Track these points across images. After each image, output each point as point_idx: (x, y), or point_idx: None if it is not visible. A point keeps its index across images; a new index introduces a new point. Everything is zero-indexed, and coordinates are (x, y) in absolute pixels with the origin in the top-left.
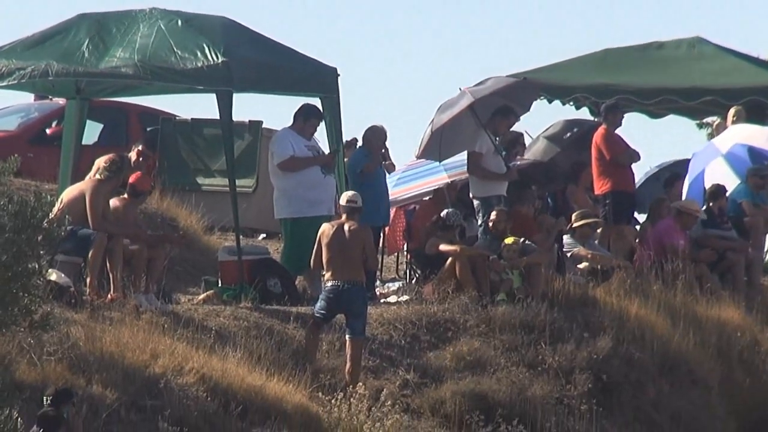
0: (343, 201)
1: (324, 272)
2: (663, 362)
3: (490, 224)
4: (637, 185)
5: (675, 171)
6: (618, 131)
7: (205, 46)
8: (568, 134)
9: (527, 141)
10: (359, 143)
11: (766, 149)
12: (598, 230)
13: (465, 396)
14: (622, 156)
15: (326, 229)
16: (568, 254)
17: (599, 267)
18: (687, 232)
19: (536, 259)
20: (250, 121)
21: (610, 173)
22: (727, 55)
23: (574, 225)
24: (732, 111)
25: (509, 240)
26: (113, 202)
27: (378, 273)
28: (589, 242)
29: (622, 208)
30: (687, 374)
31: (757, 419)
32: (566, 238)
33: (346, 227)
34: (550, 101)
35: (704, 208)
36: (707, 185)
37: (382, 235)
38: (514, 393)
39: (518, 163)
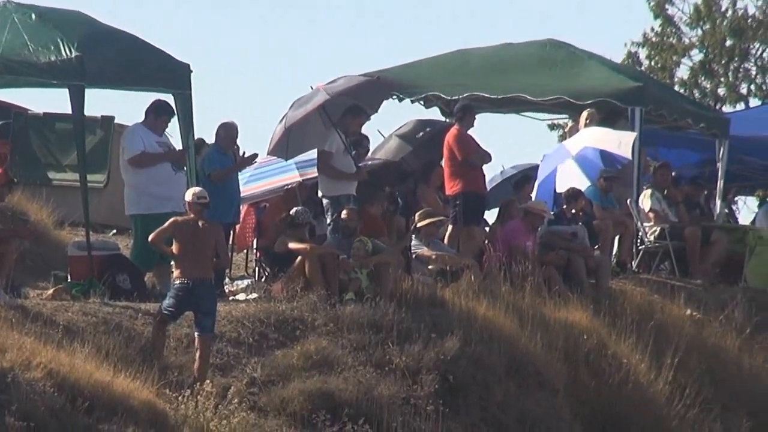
0: (189, 197)
1: (173, 269)
2: (510, 364)
3: (342, 223)
4: (491, 186)
5: (526, 173)
6: (470, 132)
7: (59, 40)
8: (421, 134)
9: (379, 140)
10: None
11: (616, 152)
12: (447, 230)
13: (312, 395)
14: (473, 157)
15: (179, 222)
16: (413, 255)
17: (448, 267)
18: (536, 234)
19: (385, 259)
20: (102, 116)
21: (461, 174)
22: (578, 57)
23: (419, 224)
24: (585, 113)
25: (357, 240)
26: None
27: (227, 270)
28: (435, 242)
29: (473, 209)
30: (534, 376)
31: (602, 422)
32: (412, 238)
33: (199, 223)
34: (401, 100)
35: (555, 210)
36: (558, 187)
37: (232, 233)
38: (360, 392)
39: (368, 162)
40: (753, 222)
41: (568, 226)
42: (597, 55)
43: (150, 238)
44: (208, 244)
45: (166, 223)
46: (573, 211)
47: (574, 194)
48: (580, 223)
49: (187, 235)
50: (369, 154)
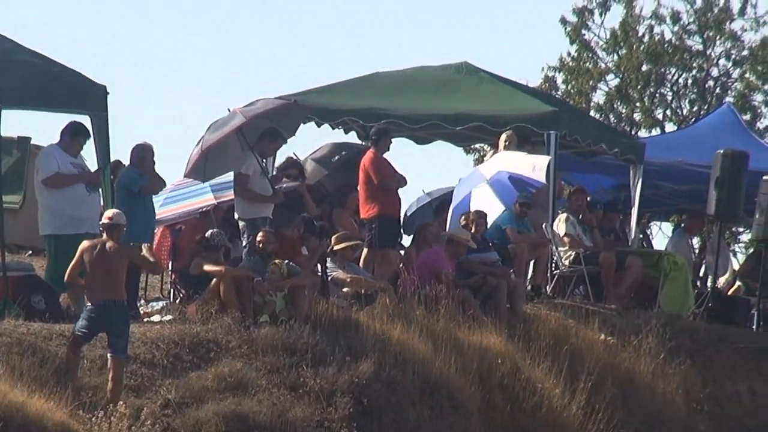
0: (103, 219)
1: (85, 290)
2: (424, 387)
3: (258, 245)
4: (412, 211)
5: (446, 198)
6: (386, 156)
7: None
8: (336, 157)
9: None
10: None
11: (530, 177)
12: (362, 253)
13: (226, 417)
14: (388, 181)
15: (87, 246)
16: (329, 278)
17: (363, 291)
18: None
19: (300, 282)
20: (18, 137)
21: (376, 197)
22: (494, 82)
23: (335, 248)
24: (504, 136)
25: (272, 263)
26: None
27: (142, 292)
28: (350, 265)
29: (388, 233)
30: (447, 399)
31: None
32: (328, 261)
33: (107, 246)
34: (318, 124)
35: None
36: (472, 211)
37: None
38: (275, 415)
39: (284, 185)
40: (667, 247)
41: (486, 253)
42: (511, 80)
43: (65, 280)
44: (118, 266)
45: (76, 255)
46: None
47: (477, 216)
48: (493, 248)
49: (95, 257)
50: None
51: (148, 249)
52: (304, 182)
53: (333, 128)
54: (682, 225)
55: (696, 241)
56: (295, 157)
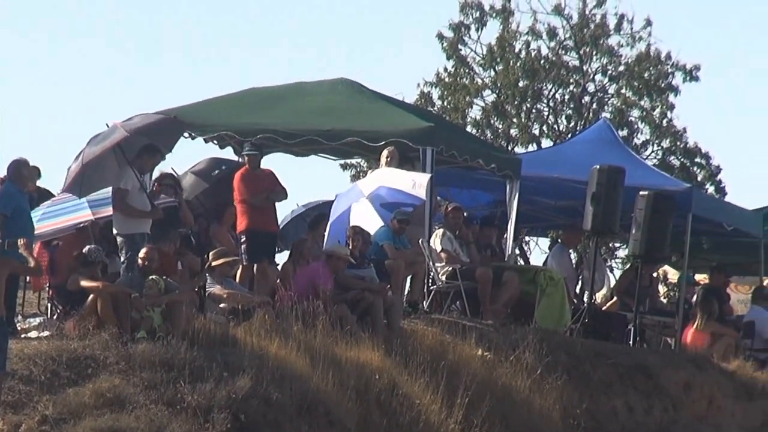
0: None
1: None
2: (301, 403)
3: (141, 261)
4: (284, 224)
5: (321, 212)
6: (269, 169)
7: None
8: (216, 171)
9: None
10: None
11: (410, 193)
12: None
13: None
14: (256, 196)
15: None
16: (207, 293)
17: (240, 306)
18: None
19: (177, 298)
20: None
21: (246, 212)
22: (370, 97)
23: (213, 264)
24: (385, 152)
25: (150, 278)
26: None
27: (19, 308)
28: (228, 281)
29: (259, 247)
30: (325, 415)
31: None
32: (206, 277)
33: None
34: (193, 137)
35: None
36: (350, 227)
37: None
38: (152, 431)
39: (163, 201)
40: (544, 263)
41: (360, 269)
42: (387, 95)
43: None
44: None
45: None
46: (359, 248)
47: (355, 232)
48: (371, 265)
49: None
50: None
51: (24, 245)
52: (181, 196)
53: (206, 142)
54: (559, 240)
55: (573, 257)
56: (173, 173)
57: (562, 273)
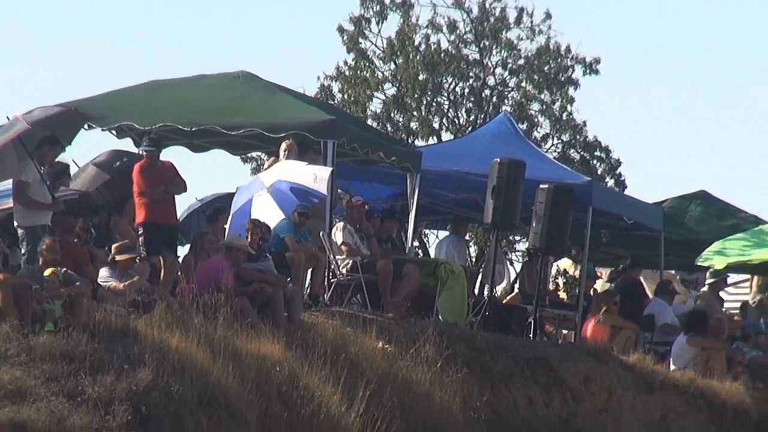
0: None
1: None
2: (202, 395)
3: (43, 253)
4: (183, 218)
5: (220, 205)
6: (170, 161)
7: None
8: (118, 163)
9: (74, 170)
10: None
11: (308, 186)
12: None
13: (3, 425)
14: (153, 189)
15: None
16: (106, 286)
17: (140, 299)
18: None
19: (79, 290)
20: None
21: (144, 204)
22: (271, 90)
23: (116, 258)
24: (284, 145)
25: (48, 271)
26: None
27: None
28: (129, 274)
29: (156, 239)
30: (226, 407)
31: None
32: (104, 270)
33: None
34: (91, 128)
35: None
36: (250, 219)
37: None
38: (53, 423)
39: (64, 193)
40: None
41: (258, 261)
42: (288, 88)
43: None
44: None
45: None
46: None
47: (254, 225)
48: (269, 257)
49: None
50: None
51: None
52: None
53: (103, 130)
54: (450, 230)
55: (473, 250)
56: (75, 164)
57: (461, 261)
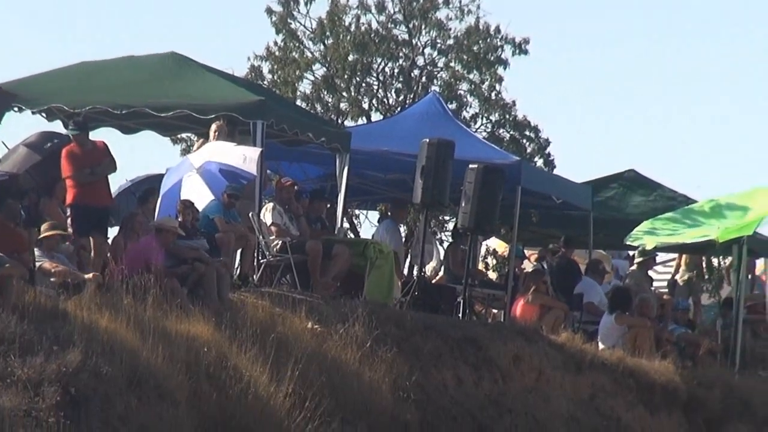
0: None
1: None
2: (131, 376)
3: None
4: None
5: (150, 186)
6: (105, 142)
7: None
8: (49, 144)
9: (3, 151)
10: None
11: (237, 166)
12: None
13: None
14: (79, 172)
15: None
16: (37, 267)
17: (70, 280)
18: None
19: (7, 272)
20: None
21: (73, 186)
22: (201, 71)
23: (41, 236)
24: (214, 126)
25: None
26: None
27: None
28: (58, 256)
29: (85, 220)
30: (155, 388)
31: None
32: (36, 251)
33: None
34: (20, 110)
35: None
36: (180, 200)
37: None
38: None
39: None
40: (373, 236)
41: (193, 239)
42: (217, 69)
43: None
44: None
45: None
46: (190, 220)
47: (185, 205)
48: (203, 237)
49: None
50: None
51: None
52: None
53: (33, 113)
54: (389, 214)
55: (403, 230)
56: (4, 146)
57: (393, 247)
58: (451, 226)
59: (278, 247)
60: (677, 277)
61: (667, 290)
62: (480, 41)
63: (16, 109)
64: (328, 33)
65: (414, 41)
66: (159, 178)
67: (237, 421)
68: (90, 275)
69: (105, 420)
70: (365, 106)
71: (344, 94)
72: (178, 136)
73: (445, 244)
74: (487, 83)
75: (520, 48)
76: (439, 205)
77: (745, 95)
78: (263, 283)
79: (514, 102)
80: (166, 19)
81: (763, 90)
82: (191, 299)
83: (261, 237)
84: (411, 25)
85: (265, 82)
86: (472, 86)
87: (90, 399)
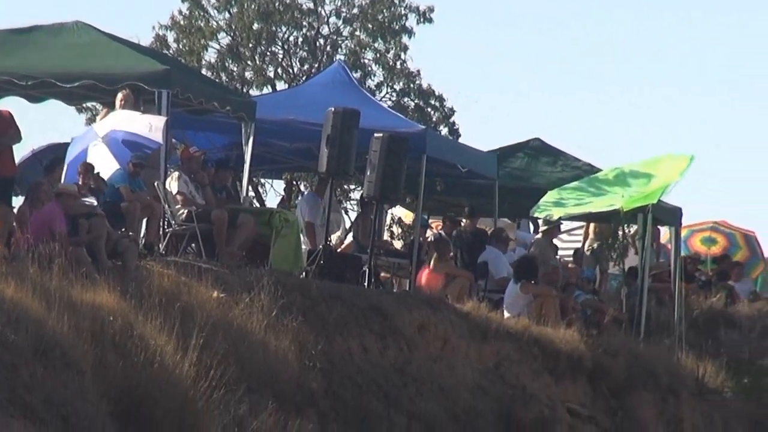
0: None
1: None
2: (37, 345)
3: None
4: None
5: (58, 156)
6: (11, 112)
7: None
8: None
9: None
10: None
11: (146, 137)
12: None
13: None
14: None
15: None
16: None
17: None
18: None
19: None
20: None
21: None
22: (106, 40)
23: None
24: (120, 95)
25: None
26: None
27: None
28: None
29: None
30: (60, 357)
31: (129, 402)
32: None
33: None
34: None
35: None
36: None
37: None
38: None
39: None
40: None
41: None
42: (122, 38)
43: None
44: None
45: None
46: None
47: (87, 168)
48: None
49: None
50: None
51: None
52: None
53: None
54: (313, 189)
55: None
56: None
57: (312, 219)
58: (356, 195)
59: (184, 216)
60: (585, 245)
61: (572, 259)
62: (384, 10)
63: None
64: (232, 2)
65: (319, 10)
66: (64, 147)
67: (142, 389)
68: None
69: (11, 389)
70: (270, 74)
71: (249, 63)
72: (84, 105)
73: (351, 214)
74: (392, 52)
75: (425, 17)
76: (345, 174)
77: (651, 64)
78: (169, 252)
79: (418, 71)
80: None
81: (669, 59)
82: (95, 268)
83: (167, 206)
84: None
85: (171, 51)
86: (377, 55)
87: None
